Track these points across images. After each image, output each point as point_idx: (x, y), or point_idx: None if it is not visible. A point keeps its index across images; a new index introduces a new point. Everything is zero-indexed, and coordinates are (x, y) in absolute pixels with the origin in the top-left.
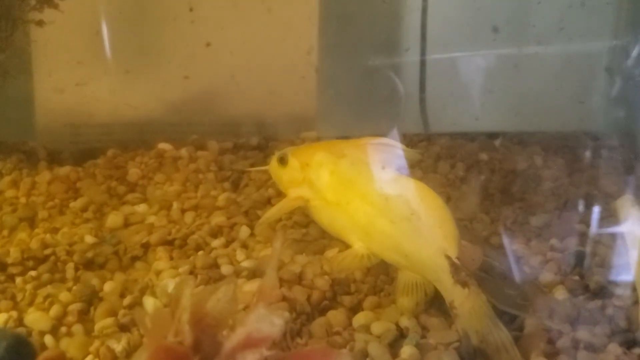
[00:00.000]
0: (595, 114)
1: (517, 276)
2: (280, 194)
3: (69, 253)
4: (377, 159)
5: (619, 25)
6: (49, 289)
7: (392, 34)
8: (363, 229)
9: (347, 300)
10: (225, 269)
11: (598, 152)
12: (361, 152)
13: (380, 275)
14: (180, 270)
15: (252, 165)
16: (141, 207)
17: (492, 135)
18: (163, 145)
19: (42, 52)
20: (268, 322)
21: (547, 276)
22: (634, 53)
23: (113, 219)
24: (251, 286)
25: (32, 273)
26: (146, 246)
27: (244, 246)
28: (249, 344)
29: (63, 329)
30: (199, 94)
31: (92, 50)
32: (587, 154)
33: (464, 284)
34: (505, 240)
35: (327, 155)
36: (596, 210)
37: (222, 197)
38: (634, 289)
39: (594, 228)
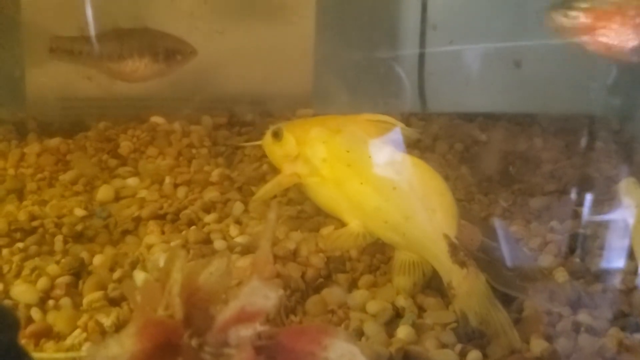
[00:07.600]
0: (595, 98)
1: (516, 258)
2: (275, 171)
3: (58, 225)
4: (375, 136)
5: None
6: (36, 262)
7: (392, 13)
8: (359, 207)
9: (342, 278)
10: (218, 244)
11: (598, 135)
12: (358, 129)
13: (377, 254)
14: (172, 244)
15: (247, 141)
16: (133, 181)
17: (492, 117)
18: (156, 119)
19: (33, 23)
20: (262, 295)
21: (546, 258)
22: None
23: (104, 192)
24: (244, 262)
25: (19, 245)
26: (137, 220)
27: (238, 222)
28: (242, 318)
29: (50, 302)
30: (194, 72)
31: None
32: (587, 136)
33: (463, 264)
34: (504, 222)
35: (323, 130)
36: (597, 192)
37: (215, 172)
38: (636, 272)
39: (594, 211)
